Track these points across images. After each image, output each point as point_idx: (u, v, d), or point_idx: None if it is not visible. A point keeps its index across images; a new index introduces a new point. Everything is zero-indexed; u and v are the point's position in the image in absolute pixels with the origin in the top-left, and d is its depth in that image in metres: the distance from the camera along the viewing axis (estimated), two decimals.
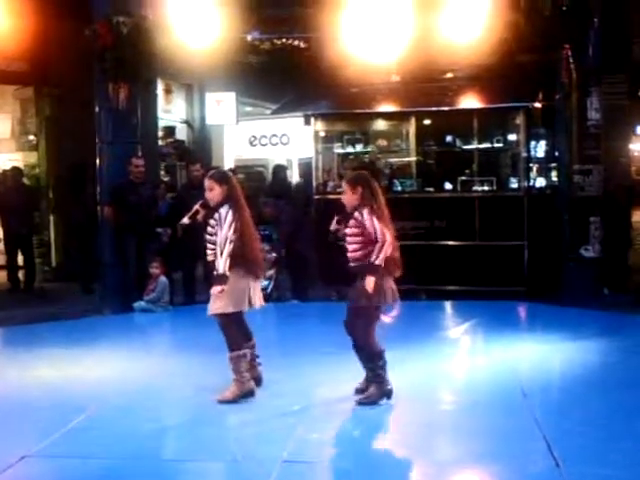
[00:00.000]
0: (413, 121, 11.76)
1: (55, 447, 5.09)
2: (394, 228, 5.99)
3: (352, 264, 5.87)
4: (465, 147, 11.65)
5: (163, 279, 9.97)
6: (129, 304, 9.96)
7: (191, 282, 10.46)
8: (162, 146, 14.74)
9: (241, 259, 5.90)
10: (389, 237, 5.74)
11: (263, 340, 6.32)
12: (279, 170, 12.06)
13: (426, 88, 12.39)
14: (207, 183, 6.08)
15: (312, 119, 12.11)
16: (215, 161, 15.57)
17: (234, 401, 5.91)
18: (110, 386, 6.53)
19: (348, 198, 5.88)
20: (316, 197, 11.58)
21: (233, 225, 5.87)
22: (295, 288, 10.71)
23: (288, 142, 16.47)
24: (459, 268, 10.86)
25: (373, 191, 5.88)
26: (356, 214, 5.81)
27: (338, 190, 11.30)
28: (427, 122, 12.03)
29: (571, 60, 10.15)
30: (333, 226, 5.98)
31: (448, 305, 10.36)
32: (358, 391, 6.04)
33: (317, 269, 11.20)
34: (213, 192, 6.01)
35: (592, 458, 4.72)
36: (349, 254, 5.87)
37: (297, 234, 10.75)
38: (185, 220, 6.23)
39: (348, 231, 5.86)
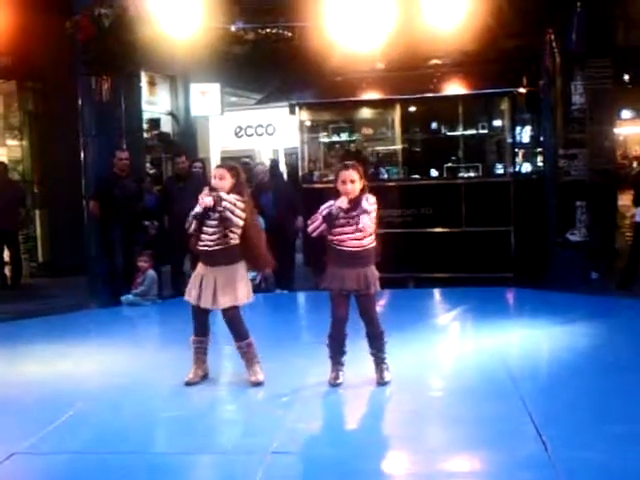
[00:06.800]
0: (398, 109, 11.75)
1: (44, 443, 5.07)
2: (381, 215, 6.04)
3: (362, 250, 5.83)
4: (450, 134, 11.65)
5: (151, 272, 9.94)
6: (117, 298, 9.94)
7: (179, 275, 10.43)
8: (147, 139, 14.69)
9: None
10: None
11: (251, 331, 6.29)
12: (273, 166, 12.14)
13: (410, 75, 12.35)
14: (218, 172, 6.07)
15: (297, 108, 12.07)
16: (201, 153, 15.54)
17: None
18: (98, 381, 6.51)
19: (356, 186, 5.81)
20: (303, 186, 11.57)
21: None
22: (282, 278, 10.68)
23: (274, 132, 16.49)
24: (446, 255, 10.88)
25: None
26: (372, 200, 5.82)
27: (324, 180, 11.36)
28: (412, 109, 12.02)
29: (555, 45, 10.15)
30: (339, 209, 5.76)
31: (436, 292, 10.37)
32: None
33: (305, 257, 11.22)
34: (223, 181, 6.01)
35: (581, 442, 4.72)
36: (361, 241, 5.82)
37: (283, 224, 10.70)
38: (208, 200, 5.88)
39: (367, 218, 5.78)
